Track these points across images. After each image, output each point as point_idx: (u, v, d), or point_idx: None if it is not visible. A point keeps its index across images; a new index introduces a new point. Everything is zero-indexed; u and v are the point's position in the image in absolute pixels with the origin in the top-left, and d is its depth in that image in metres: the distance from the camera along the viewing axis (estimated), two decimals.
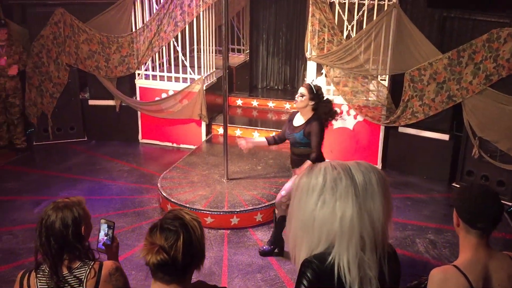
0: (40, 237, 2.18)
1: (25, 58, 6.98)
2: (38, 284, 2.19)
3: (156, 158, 7.09)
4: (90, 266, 2.22)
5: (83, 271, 2.21)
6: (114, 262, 2.32)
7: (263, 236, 5.15)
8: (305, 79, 7.54)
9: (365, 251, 1.58)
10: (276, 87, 8.69)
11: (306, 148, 4.46)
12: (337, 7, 6.36)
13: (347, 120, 6.68)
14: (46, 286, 2.18)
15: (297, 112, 4.58)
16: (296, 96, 4.44)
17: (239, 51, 9.43)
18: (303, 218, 1.63)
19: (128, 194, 5.97)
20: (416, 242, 5.06)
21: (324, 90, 6.72)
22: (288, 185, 4.58)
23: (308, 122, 4.42)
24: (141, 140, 7.59)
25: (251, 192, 5.66)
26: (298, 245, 1.65)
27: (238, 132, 7.31)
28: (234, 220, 5.27)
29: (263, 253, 4.79)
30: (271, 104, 8.06)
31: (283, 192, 4.54)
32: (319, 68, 6.79)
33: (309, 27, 6.48)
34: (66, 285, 2.17)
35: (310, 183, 1.63)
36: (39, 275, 2.20)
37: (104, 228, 2.42)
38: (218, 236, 5.10)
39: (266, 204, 5.41)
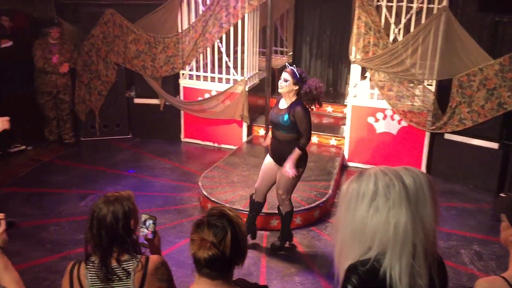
0: (91, 229, 2.24)
1: (76, 56, 7.23)
2: (88, 275, 2.26)
3: (197, 157, 7.19)
4: (138, 260, 2.27)
5: (131, 264, 2.26)
6: (159, 256, 2.36)
7: (302, 239, 5.12)
8: (348, 82, 7.47)
9: (416, 259, 1.54)
10: None
11: (289, 133, 4.40)
12: (384, 10, 6.26)
13: (391, 124, 6.56)
14: (96, 277, 2.25)
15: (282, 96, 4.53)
16: (280, 81, 4.39)
17: (282, 53, 9.43)
18: (352, 225, 1.59)
19: (169, 192, 6.07)
20: (460, 253, 4.91)
21: (367, 94, 6.68)
22: (279, 184, 4.57)
23: (291, 106, 4.36)
24: (183, 139, 7.71)
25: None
26: (346, 253, 1.62)
27: None
28: (274, 222, 5.27)
29: (274, 247, 4.79)
30: (312, 106, 7.99)
31: (279, 191, 4.60)
32: (363, 71, 6.71)
33: (354, 30, 6.41)
34: (115, 276, 2.23)
35: (360, 189, 1.59)
36: (89, 266, 2.27)
37: (145, 223, 2.46)
38: (257, 237, 5.10)
39: (306, 207, 5.38)
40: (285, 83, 4.34)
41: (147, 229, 2.46)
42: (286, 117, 4.35)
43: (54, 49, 6.95)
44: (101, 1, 7.39)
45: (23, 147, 7.05)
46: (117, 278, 2.23)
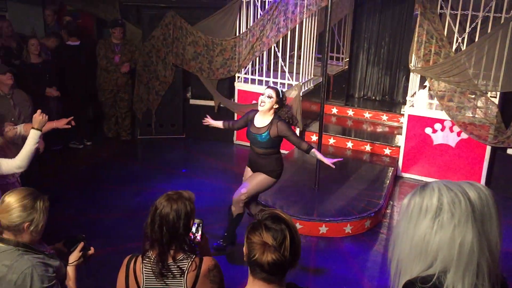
0: (153, 225, 2.29)
1: (137, 56, 7.47)
2: (144, 269, 2.32)
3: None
4: (192, 259, 2.31)
5: (186, 263, 2.30)
6: (213, 258, 2.39)
7: (351, 248, 5.03)
8: (405, 91, 7.29)
9: (479, 278, 1.47)
10: (373, 97, 8.47)
11: (267, 149, 4.49)
12: (448, 18, 6.06)
13: (449, 136, 6.33)
14: (151, 272, 2.30)
15: (256, 112, 4.51)
16: (263, 97, 4.36)
17: (337, 59, 9.35)
18: (413, 241, 1.53)
19: (219, 193, 6.13)
20: None
21: (426, 104, 6.49)
22: (247, 184, 4.60)
23: (271, 123, 4.40)
24: (235, 141, 7.78)
25: (342, 202, 5.56)
26: (404, 269, 1.56)
27: (331, 141, 7.24)
28: (323, 229, 5.22)
29: (216, 249, 4.64)
30: (367, 114, 7.88)
31: (243, 190, 4.58)
32: (422, 80, 6.52)
33: (415, 38, 6.24)
34: (169, 273, 2.28)
35: (423, 203, 1.53)
36: (145, 261, 2.33)
37: (194, 226, 2.49)
38: (306, 243, 5.07)
39: (357, 216, 5.29)
40: (269, 99, 4.35)
41: (196, 232, 2.50)
42: (265, 135, 4.42)
43: (116, 49, 7.22)
44: (163, 4, 7.59)
45: (81, 146, 7.35)
46: (171, 275, 2.27)
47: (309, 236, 5.19)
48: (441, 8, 6.12)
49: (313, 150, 4.50)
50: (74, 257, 2.52)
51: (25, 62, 6.42)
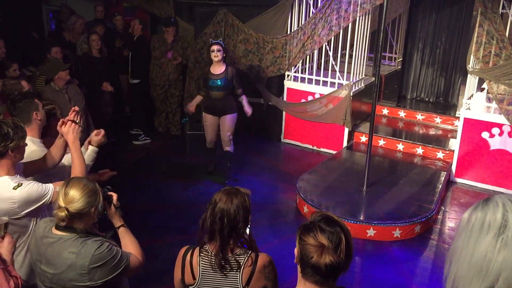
0: (214, 217, 2.33)
1: (189, 53, 7.59)
2: (201, 261, 2.36)
3: (296, 159, 7.19)
4: (248, 255, 2.34)
5: (242, 258, 2.33)
6: (268, 255, 2.41)
7: (400, 253, 4.91)
8: (461, 93, 7.03)
9: None
10: (426, 99, 8.22)
11: (225, 91, 5.92)
12: (510, 18, 5.79)
13: (508, 142, 6.05)
14: (208, 265, 2.35)
15: (209, 67, 5.96)
16: (214, 52, 5.80)
17: (390, 59, 9.14)
18: (473, 259, 1.43)
19: (267, 191, 6.15)
20: None
21: (483, 107, 6.24)
22: (226, 128, 6.06)
23: (226, 69, 5.88)
24: (283, 140, 7.76)
25: (391, 205, 5.43)
26: (465, 286, 1.46)
27: (381, 142, 7.09)
28: (371, 232, 5.12)
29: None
30: (419, 116, 7.66)
31: (228, 133, 6.07)
32: (480, 83, 6.27)
33: (474, 38, 6.00)
34: (227, 266, 2.31)
35: (485, 219, 1.42)
36: (202, 254, 2.37)
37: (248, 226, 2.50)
38: (353, 246, 4.98)
39: (406, 221, 5.15)
40: (219, 52, 5.81)
41: (247, 231, 2.52)
42: (224, 78, 5.83)
43: (169, 45, 7.36)
44: (216, 1, 7.67)
45: (148, 140, 7.58)
46: (229, 268, 2.30)
47: (356, 238, 5.09)
48: (503, 7, 5.85)
49: (242, 96, 6.08)
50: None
51: (88, 54, 6.68)
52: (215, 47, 5.84)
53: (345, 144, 7.21)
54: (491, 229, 1.40)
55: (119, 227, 2.60)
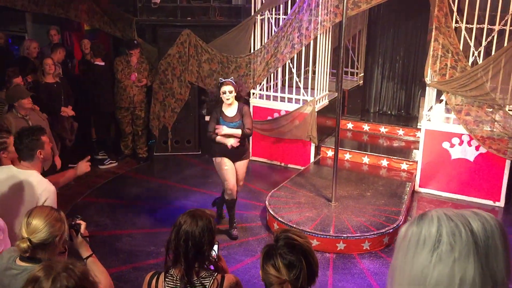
0: (178, 240, 2.32)
1: (153, 74, 7.57)
2: (166, 286, 2.33)
3: (264, 176, 7.22)
4: (214, 277, 2.32)
5: (208, 280, 2.31)
6: (235, 276, 2.40)
7: (370, 265, 4.97)
8: (421, 105, 7.26)
9: None
10: (389, 112, 8.43)
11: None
12: (463, 32, 6.05)
13: (467, 151, 6.26)
14: None
15: (220, 107, 5.20)
16: (225, 95, 5.06)
17: (352, 74, 9.36)
18: (411, 275, 1.39)
19: (236, 209, 6.10)
20: None
21: (443, 118, 6.45)
22: (239, 175, 5.40)
23: (239, 109, 5.19)
24: (250, 157, 7.76)
25: (359, 218, 5.51)
26: None
27: (347, 156, 7.21)
28: (341, 246, 5.17)
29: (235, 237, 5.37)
30: (383, 129, 7.84)
31: (240, 183, 5.47)
32: (439, 94, 6.49)
33: (431, 52, 6.23)
34: None
35: (421, 234, 1.38)
36: (168, 279, 2.34)
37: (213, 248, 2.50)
38: (324, 260, 5.02)
39: (375, 233, 5.23)
40: (231, 94, 5.08)
41: (212, 253, 2.51)
42: (239, 121, 5.15)
43: (133, 67, 7.32)
44: (178, 23, 7.71)
45: (115, 163, 7.50)
46: None
47: (326, 252, 5.14)
48: (456, 22, 6.11)
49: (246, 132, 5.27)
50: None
51: (40, 82, 6.52)
52: (226, 88, 5.06)
53: (312, 159, 7.29)
54: (426, 244, 1.37)
55: (87, 257, 2.53)
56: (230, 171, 5.24)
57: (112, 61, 7.46)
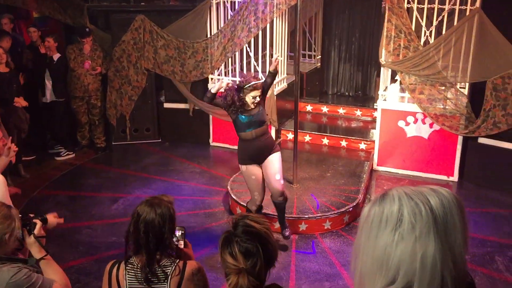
0: (137, 231, 2.28)
1: (107, 62, 7.38)
2: (127, 275, 2.31)
3: (226, 161, 7.22)
4: (176, 264, 2.32)
5: (170, 268, 2.30)
6: (197, 262, 2.40)
7: (331, 244, 5.08)
8: (377, 85, 7.39)
9: None
10: (347, 93, 8.55)
11: (264, 124, 4.62)
12: (415, 12, 6.17)
13: (422, 128, 6.44)
14: (134, 279, 2.29)
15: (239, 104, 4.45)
16: (255, 100, 4.39)
17: (310, 56, 9.41)
18: (374, 254, 1.42)
19: (199, 195, 6.12)
20: (495, 260, 4.78)
21: (398, 98, 6.60)
22: (275, 172, 4.63)
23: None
24: (211, 143, 7.76)
25: (320, 198, 5.60)
26: (366, 284, 1.45)
27: (307, 138, 7.29)
28: (303, 226, 5.25)
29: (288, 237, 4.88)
30: (341, 110, 7.96)
31: (281, 180, 4.67)
32: (393, 74, 6.63)
33: (384, 33, 6.33)
34: (155, 278, 2.27)
35: (383, 214, 1.41)
36: (128, 268, 2.32)
37: (175, 234, 2.49)
38: (287, 242, 5.09)
39: (335, 212, 5.33)
40: (259, 92, 4.38)
41: (178, 240, 2.50)
42: (261, 108, 4.51)
43: (86, 55, 7.11)
44: (132, 8, 7.52)
45: (72, 154, 7.32)
46: (156, 280, 2.27)
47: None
48: (408, 2, 6.23)
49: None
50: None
51: None
52: (257, 93, 4.36)
53: None
54: (389, 223, 1.39)
55: (40, 259, 2.37)
56: (257, 180, 4.63)
57: (64, 50, 7.21)
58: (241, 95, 4.38)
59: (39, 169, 6.83)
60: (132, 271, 2.30)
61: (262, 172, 4.63)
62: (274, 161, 4.59)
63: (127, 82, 7.52)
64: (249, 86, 4.33)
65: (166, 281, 2.27)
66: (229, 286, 1.85)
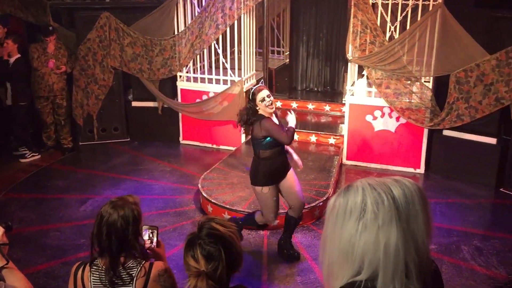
0: (100, 234, 2.25)
1: (72, 61, 7.22)
2: (91, 277, 2.27)
3: (196, 159, 7.18)
4: (141, 265, 2.29)
5: (135, 269, 2.28)
6: (164, 263, 2.38)
7: (302, 238, 5.12)
8: (345, 81, 7.48)
9: (410, 278, 1.41)
10: (315, 89, 8.63)
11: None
12: (380, 8, 6.27)
13: (389, 122, 6.56)
14: (98, 280, 2.26)
15: (266, 118, 4.26)
16: (268, 98, 4.21)
17: (279, 53, 9.44)
18: (340, 245, 1.45)
19: (169, 194, 6.06)
20: (461, 249, 4.91)
21: (365, 92, 6.69)
22: (296, 188, 4.53)
23: (276, 115, 4.45)
24: (182, 141, 7.70)
25: None
26: (335, 274, 1.48)
27: None
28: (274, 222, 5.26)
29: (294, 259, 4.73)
30: (310, 106, 8.01)
31: (303, 197, 4.59)
32: (360, 69, 6.71)
33: (351, 29, 6.41)
34: (119, 280, 2.24)
35: (347, 205, 1.45)
36: (93, 269, 2.29)
37: (147, 234, 2.47)
38: (258, 238, 5.11)
39: (306, 207, 5.36)
40: (271, 98, 4.28)
41: (151, 239, 2.47)
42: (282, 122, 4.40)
43: (50, 54, 6.94)
44: (96, 5, 7.38)
45: (37, 156, 7.14)
46: (121, 282, 2.24)
47: (260, 230, 5.22)
48: None
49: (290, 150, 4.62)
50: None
51: None
52: (264, 93, 4.20)
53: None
54: (353, 214, 1.43)
55: (1, 268, 2.23)
56: (277, 200, 4.49)
57: (27, 49, 7.02)
58: (251, 105, 4.26)
59: (3, 172, 6.64)
60: (97, 273, 2.27)
61: (280, 191, 4.51)
62: (293, 174, 4.53)
63: (93, 81, 7.38)
64: (255, 88, 4.25)
65: (131, 283, 2.25)
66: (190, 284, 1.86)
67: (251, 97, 4.25)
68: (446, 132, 6.36)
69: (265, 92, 4.21)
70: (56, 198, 5.96)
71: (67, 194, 6.05)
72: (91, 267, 2.30)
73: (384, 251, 1.38)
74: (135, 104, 7.67)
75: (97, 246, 2.27)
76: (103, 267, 2.27)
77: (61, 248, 4.91)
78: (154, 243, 2.46)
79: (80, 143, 7.58)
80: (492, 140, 6.10)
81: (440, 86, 6.36)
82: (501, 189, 6.05)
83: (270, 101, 4.22)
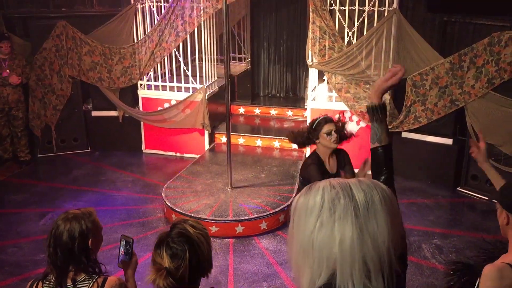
0: (49, 247, 2.21)
1: (28, 71, 7.01)
2: None
3: (159, 168, 7.10)
4: (94, 280, 2.23)
5: (87, 284, 2.22)
6: (118, 278, 2.31)
7: (268, 244, 5.14)
8: (307, 86, 7.57)
9: (370, 278, 1.41)
10: (278, 94, 8.71)
11: None
12: (337, 14, 6.39)
13: (350, 126, 6.66)
14: None
15: (317, 157, 3.85)
16: (331, 136, 3.73)
17: (240, 59, 9.45)
18: (302, 242, 1.47)
19: (133, 204, 5.97)
20: (422, 248, 5.04)
21: (326, 97, 6.79)
22: None
23: (341, 156, 4.03)
24: (144, 150, 7.60)
25: (256, 200, 5.65)
26: (301, 271, 1.50)
27: (241, 140, 7.33)
28: (239, 229, 5.26)
29: None
30: (273, 111, 8.08)
31: None
32: (321, 75, 6.81)
33: (310, 34, 6.50)
34: None
35: (308, 203, 1.48)
36: (45, 285, 2.23)
37: (123, 245, 2.40)
38: (224, 245, 5.09)
39: (271, 212, 5.40)
40: (335, 135, 3.76)
41: (124, 251, 2.40)
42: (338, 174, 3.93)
43: (4, 65, 6.72)
44: (53, 14, 7.21)
45: None
46: None
47: (226, 237, 5.21)
48: (331, 4, 6.43)
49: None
50: None
51: None
52: (331, 127, 3.70)
53: (207, 146, 7.31)
54: (313, 212, 1.46)
55: None
56: None
57: None
58: (311, 136, 3.78)
59: None
60: None
61: None
62: None
63: (50, 91, 7.19)
64: (323, 119, 3.76)
65: None
66: (146, 281, 1.84)
67: (314, 126, 3.76)
68: (405, 134, 6.53)
69: (332, 126, 3.73)
70: (14, 213, 5.76)
71: (25, 208, 5.86)
72: (43, 283, 2.24)
73: (340, 247, 1.41)
74: (95, 113, 7.51)
75: (48, 260, 2.22)
76: (54, 282, 2.21)
77: (19, 264, 4.75)
78: (126, 255, 2.38)
79: (39, 155, 7.36)
80: (449, 141, 6.30)
81: (398, 90, 6.52)
82: (458, 188, 6.26)
83: (334, 139, 3.73)
